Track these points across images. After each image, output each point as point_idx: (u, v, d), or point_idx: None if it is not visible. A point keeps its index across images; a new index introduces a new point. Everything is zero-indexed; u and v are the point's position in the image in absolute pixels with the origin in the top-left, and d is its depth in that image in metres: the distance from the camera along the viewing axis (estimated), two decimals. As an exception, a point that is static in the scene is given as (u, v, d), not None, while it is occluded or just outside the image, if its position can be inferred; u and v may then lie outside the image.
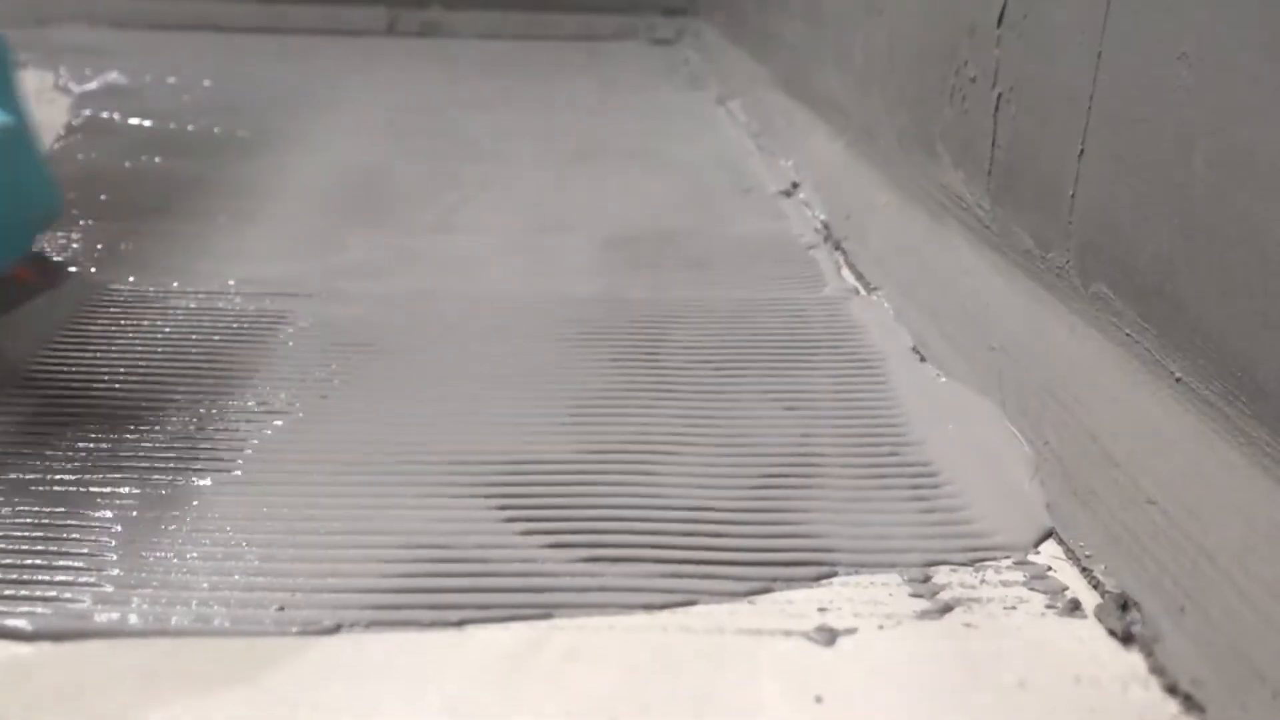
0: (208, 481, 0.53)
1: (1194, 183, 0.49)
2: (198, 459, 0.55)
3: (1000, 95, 0.69)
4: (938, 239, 0.76)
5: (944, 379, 0.65)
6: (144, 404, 0.60)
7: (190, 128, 1.20)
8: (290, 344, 0.68)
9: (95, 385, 0.62)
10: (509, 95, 1.43)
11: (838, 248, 0.87)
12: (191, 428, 0.57)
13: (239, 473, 0.54)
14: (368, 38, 1.78)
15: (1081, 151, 0.58)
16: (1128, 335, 0.53)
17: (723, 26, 1.71)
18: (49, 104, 1.28)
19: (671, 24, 1.86)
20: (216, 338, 0.68)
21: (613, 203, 0.87)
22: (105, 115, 1.23)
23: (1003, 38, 0.69)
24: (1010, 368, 0.60)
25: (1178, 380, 0.49)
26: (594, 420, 0.59)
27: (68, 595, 0.45)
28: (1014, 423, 0.58)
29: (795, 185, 1.02)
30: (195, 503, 0.51)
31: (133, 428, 0.57)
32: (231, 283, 0.76)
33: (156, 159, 1.08)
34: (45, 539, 0.48)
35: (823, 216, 0.93)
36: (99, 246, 0.83)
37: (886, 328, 0.72)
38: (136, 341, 0.67)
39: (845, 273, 0.83)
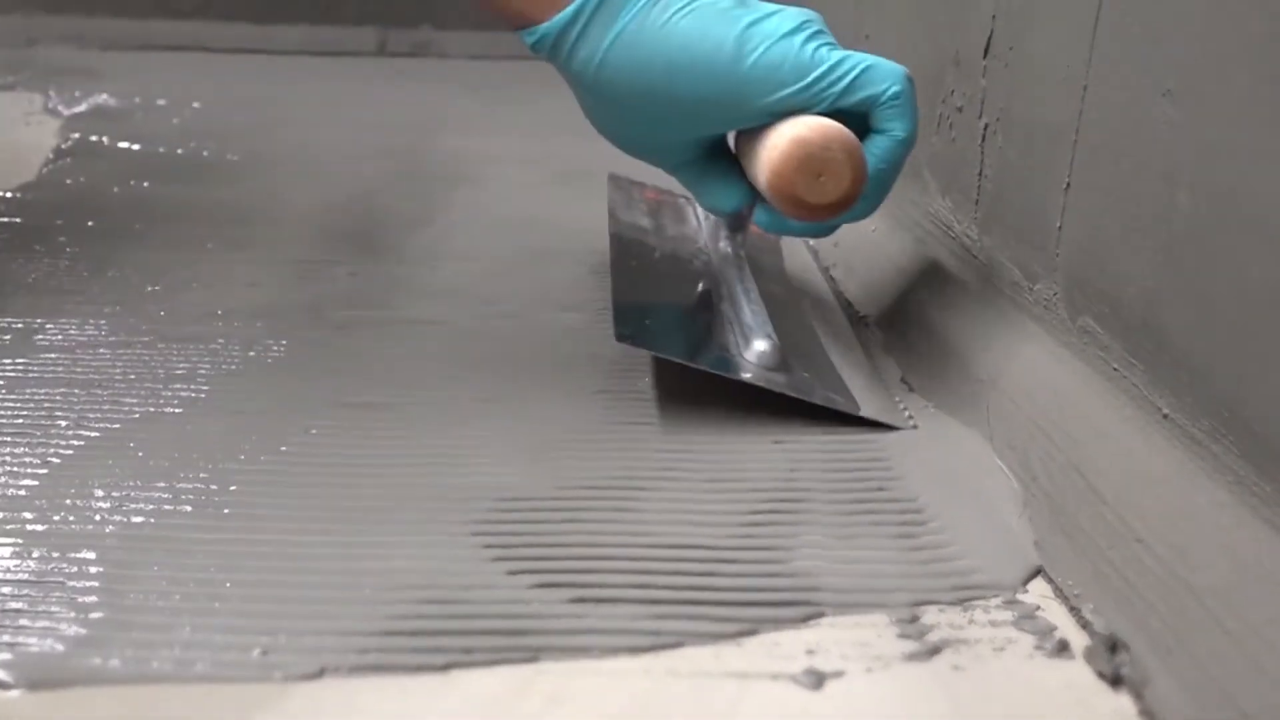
0: (191, 519, 0.52)
1: (1179, 219, 0.49)
2: (181, 496, 0.54)
3: (987, 126, 0.69)
4: (926, 267, 0.76)
5: (932, 409, 0.65)
6: (128, 440, 0.59)
7: (179, 151, 1.20)
8: (277, 376, 0.67)
9: (76, 424, 0.61)
10: (499, 117, 1.43)
11: (826, 274, 0.87)
12: (176, 464, 0.57)
13: (223, 510, 0.53)
14: (359, 58, 1.78)
15: (1068, 185, 0.59)
16: (1115, 370, 0.53)
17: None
18: (39, 126, 1.28)
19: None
20: (202, 370, 0.68)
21: (602, 226, 0.86)
22: (94, 139, 1.23)
23: (989, 69, 0.69)
24: (997, 400, 0.60)
25: (1165, 417, 0.49)
26: (579, 453, 0.59)
27: (48, 641, 0.44)
28: (1001, 457, 0.58)
29: (784, 210, 1.02)
30: (178, 542, 0.51)
31: (114, 464, 0.57)
32: (219, 311, 0.76)
33: (145, 184, 1.08)
34: (23, 581, 0.48)
35: (810, 242, 0.93)
36: (85, 274, 0.82)
37: (875, 358, 0.72)
38: (121, 371, 0.66)
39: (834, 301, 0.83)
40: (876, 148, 0.61)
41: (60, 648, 0.44)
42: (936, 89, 0.77)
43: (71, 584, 0.47)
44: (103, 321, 0.74)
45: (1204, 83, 0.47)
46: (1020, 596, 0.48)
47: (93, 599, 0.47)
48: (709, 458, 0.59)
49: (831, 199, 0.59)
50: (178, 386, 0.65)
